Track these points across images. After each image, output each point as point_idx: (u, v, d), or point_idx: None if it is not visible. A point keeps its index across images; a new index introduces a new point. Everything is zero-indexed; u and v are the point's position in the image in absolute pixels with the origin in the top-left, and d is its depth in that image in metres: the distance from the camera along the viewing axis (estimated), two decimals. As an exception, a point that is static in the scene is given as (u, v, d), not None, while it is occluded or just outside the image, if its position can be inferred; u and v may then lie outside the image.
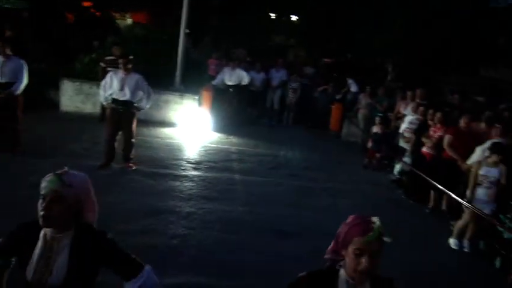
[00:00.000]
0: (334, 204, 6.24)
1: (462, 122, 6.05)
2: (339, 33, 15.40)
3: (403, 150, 7.58)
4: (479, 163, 5.13)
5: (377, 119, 8.35)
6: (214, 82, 10.49)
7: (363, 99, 9.73)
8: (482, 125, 6.35)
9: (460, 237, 5.36)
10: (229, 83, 10.31)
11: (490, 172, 5.01)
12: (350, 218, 1.70)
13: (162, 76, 9.88)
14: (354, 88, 11.57)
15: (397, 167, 7.83)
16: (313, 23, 16.76)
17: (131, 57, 6.21)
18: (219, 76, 10.51)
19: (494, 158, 5.01)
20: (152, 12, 16.98)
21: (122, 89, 6.04)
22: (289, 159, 8.35)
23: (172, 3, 11.67)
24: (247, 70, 10.82)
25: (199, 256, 4.27)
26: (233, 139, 9.26)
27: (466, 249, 5.31)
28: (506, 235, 4.97)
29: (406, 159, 7.22)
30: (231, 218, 5.23)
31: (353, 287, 1.66)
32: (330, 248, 1.75)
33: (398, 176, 7.74)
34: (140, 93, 6.21)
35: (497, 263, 4.96)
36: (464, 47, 12.40)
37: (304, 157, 8.56)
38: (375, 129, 8.29)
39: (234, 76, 10.24)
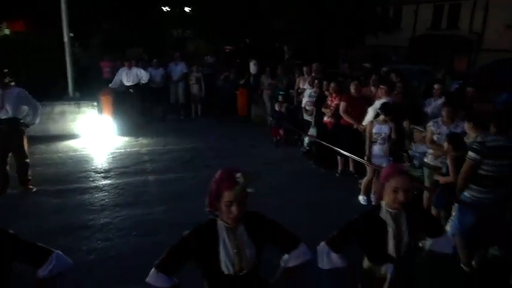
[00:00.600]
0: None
1: (352, 89, 6.52)
2: (234, 21, 15.53)
3: (308, 123, 7.98)
4: (372, 123, 5.59)
5: (279, 97, 8.66)
6: (111, 85, 9.94)
7: (265, 81, 9.99)
8: (371, 88, 6.92)
9: (367, 193, 5.85)
10: (128, 84, 9.87)
11: (381, 129, 5.49)
12: (218, 175, 1.97)
13: (52, 86, 9.14)
14: (253, 70, 11.85)
15: (306, 140, 8.24)
16: (208, 13, 16.67)
17: (5, 70, 5.61)
18: (116, 78, 9.99)
19: (383, 116, 5.50)
20: (31, 19, 15.46)
21: (2, 106, 5.45)
22: (202, 151, 8.32)
23: (51, 8, 10.72)
24: (144, 68, 10.44)
25: (118, 266, 4.09)
26: (142, 140, 8.95)
27: (373, 202, 5.81)
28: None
29: (311, 130, 7.61)
30: (148, 220, 5.07)
31: (230, 229, 2.00)
32: (206, 203, 2.02)
33: (307, 148, 8.15)
34: (25, 108, 5.66)
35: (401, 209, 5.50)
36: (350, 21, 13.32)
37: (217, 146, 8.59)
38: (277, 107, 8.59)
39: (132, 76, 9.81)
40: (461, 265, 4.06)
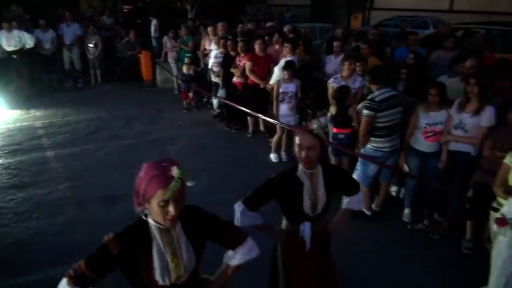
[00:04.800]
0: (162, 154, 6.20)
1: (257, 48, 6.51)
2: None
3: (217, 84, 7.86)
4: (278, 82, 5.69)
5: (186, 60, 8.35)
6: (-12, 51, 8.64)
7: (168, 43, 9.52)
8: (276, 47, 7.00)
9: (278, 151, 6.04)
10: (10, 49, 8.62)
11: (288, 88, 5.62)
12: (145, 170, 1.57)
13: None
14: (154, 31, 11.27)
15: (215, 102, 8.16)
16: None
17: None
18: (-7, 43, 8.68)
19: (288, 74, 5.60)
20: None
21: None
22: (107, 120, 7.80)
23: None
24: (29, 30, 9.21)
25: (19, 253, 3.74)
26: (35, 113, 8.07)
27: (284, 160, 6.04)
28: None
29: (220, 92, 7.53)
30: (51, 200, 4.67)
31: (165, 231, 1.67)
32: (135, 203, 1.63)
33: (218, 111, 8.10)
34: None
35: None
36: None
37: (123, 114, 8.11)
38: (184, 69, 8.31)
39: (14, 40, 8.58)
40: (363, 209, 4.47)
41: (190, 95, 8.53)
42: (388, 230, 4.32)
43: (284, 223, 2.46)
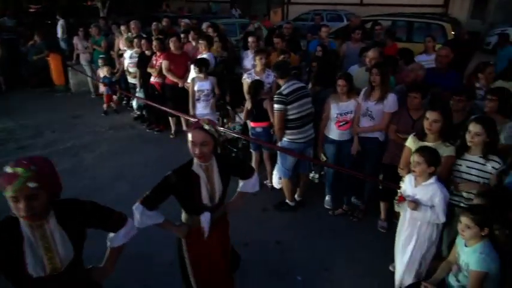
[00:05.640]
0: (78, 162, 5.83)
1: (172, 45, 6.32)
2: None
3: (134, 86, 7.54)
4: (193, 80, 5.56)
5: (100, 61, 7.90)
6: None
7: (79, 44, 8.92)
8: (193, 44, 6.86)
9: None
10: None
11: (203, 86, 5.50)
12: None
13: None
14: (61, 32, 10.57)
15: (135, 104, 7.83)
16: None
17: None
18: None
19: (199, 71, 5.44)
20: None
21: None
22: (14, 130, 7.12)
23: None
24: None
25: None
26: None
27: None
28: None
29: (139, 94, 7.23)
30: None
31: (36, 226, 1.71)
32: None
33: (138, 113, 7.79)
34: None
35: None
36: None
37: (32, 122, 7.47)
38: (101, 72, 7.86)
39: None
40: (287, 201, 4.57)
41: (114, 97, 8.14)
42: (311, 217, 4.46)
43: (183, 216, 2.51)
